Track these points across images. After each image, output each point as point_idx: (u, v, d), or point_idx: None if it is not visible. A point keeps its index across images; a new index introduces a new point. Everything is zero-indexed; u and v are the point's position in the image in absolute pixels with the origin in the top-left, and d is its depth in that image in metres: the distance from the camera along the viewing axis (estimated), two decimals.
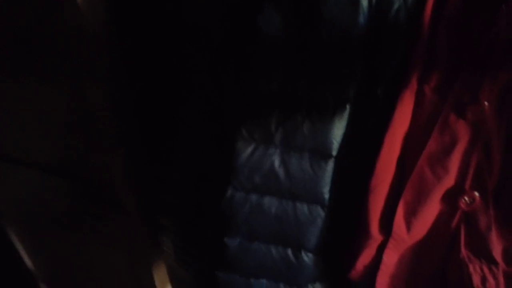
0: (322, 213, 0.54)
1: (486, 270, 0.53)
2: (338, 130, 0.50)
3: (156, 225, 0.85)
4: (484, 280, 0.52)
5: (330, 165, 0.52)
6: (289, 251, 0.56)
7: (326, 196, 0.53)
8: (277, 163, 0.52)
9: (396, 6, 0.47)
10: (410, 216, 0.52)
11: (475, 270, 0.53)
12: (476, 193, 0.51)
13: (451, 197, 0.52)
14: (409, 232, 0.52)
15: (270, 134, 0.51)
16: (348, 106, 0.50)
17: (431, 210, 0.52)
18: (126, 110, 0.70)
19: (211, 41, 0.53)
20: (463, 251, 0.53)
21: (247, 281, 0.60)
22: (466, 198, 0.51)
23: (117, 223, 0.86)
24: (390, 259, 0.54)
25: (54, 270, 1.28)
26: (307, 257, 0.57)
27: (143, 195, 0.79)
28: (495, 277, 0.52)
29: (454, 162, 0.51)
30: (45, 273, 1.33)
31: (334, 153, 0.51)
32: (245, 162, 0.52)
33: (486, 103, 0.49)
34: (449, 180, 0.51)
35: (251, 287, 0.60)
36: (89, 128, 0.71)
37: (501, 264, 0.52)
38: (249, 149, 0.52)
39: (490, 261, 0.52)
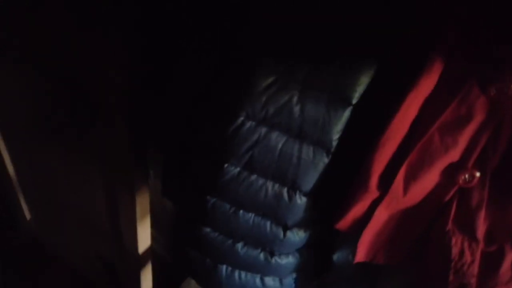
0: (325, 159, 0.54)
1: (466, 245, 0.55)
2: (364, 78, 0.50)
3: (143, 150, 0.85)
4: (462, 253, 0.55)
5: (346, 113, 0.51)
6: (284, 190, 0.57)
7: (334, 143, 0.53)
8: (295, 99, 0.51)
9: None
10: (410, 179, 0.53)
11: (456, 244, 0.55)
12: (477, 173, 0.53)
13: (452, 171, 0.53)
14: (405, 194, 0.53)
15: (293, 69, 0.50)
16: (377, 55, 0.49)
17: (431, 178, 0.53)
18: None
19: None
20: (450, 223, 0.55)
21: (236, 211, 0.61)
22: (466, 176, 0.53)
23: (101, 133, 0.84)
24: (380, 217, 0.55)
25: (34, 178, 1.28)
26: (300, 200, 0.57)
27: (134, 109, 0.77)
28: (472, 253, 0.54)
29: (465, 136, 0.52)
30: (25, 179, 1.32)
31: (354, 101, 0.51)
32: (263, 92, 0.51)
33: (511, 84, 0.49)
34: (455, 154, 0.52)
35: (238, 218, 0.61)
36: (92, 31, 0.68)
37: (481, 243, 0.55)
38: (270, 79, 0.51)
39: (472, 238, 0.54)
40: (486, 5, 0.48)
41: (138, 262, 1.12)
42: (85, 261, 1.41)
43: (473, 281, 0.55)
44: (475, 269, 0.54)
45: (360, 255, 0.58)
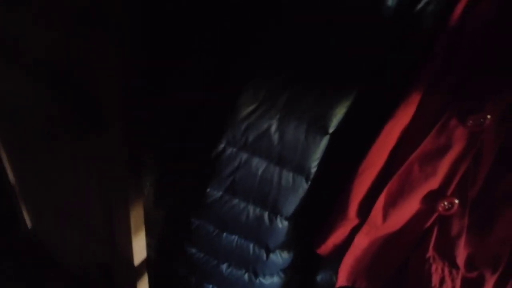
0: (305, 185, 0.54)
1: (446, 272, 0.55)
2: (340, 109, 0.50)
3: (138, 160, 0.86)
4: (442, 281, 0.55)
5: (324, 141, 0.52)
6: (266, 214, 0.57)
7: (313, 170, 0.53)
8: (274, 127, 0.52)
9: None
10: (389, 207, 0.53)
11: (436, 270, 0.55)
12: (456, 200, 0.53)
13: (431, 199, 0.53)
14: (384, 222, 0.54)
15: (275, 95, 0.51)
16: (357, 89, 0.50)
17: (411, 206, 0.53)
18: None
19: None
20: (430, 250, 0.55)
21: (220, 233, 0.62)
22: (446, 203, 0.53)
23: (97, 144, 0.85)
24: (360, 243, 0.56)
25: (35, 185, 1.29)
26: (281, 224, 0.58)
27: (130, 118, 0.77)
28: (453, 280, 0.54)
29: (444, 165, 0.52)
30: (26, 187, 1.34)
31: (331, 130, 0.51)
32: (244, 119, 0.52)
33: (488, 115, 0.50)
34: (435, 182, 0.52)
35: (222, 240, 0.62)
36: (89, 37, 0.69)
37: (462, 269, 0.55)
38: (251, 107, 0.52)
39: (452, 265, 0.54)
40: (465, 37, 0.48)
41: (134, 270, 1.13)
42: (84, 267, 1.42)
43: None
44: None
45: (342, 279, 0.58)
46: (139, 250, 1.08)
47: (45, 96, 0.91)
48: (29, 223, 1.49)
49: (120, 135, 0.78)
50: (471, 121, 0.50)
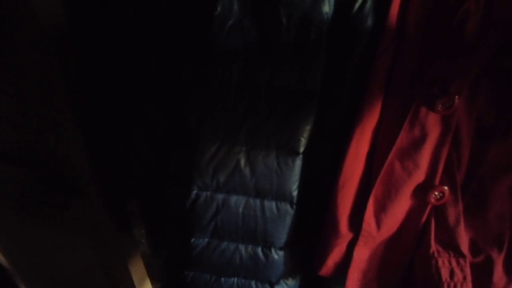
0: (290, 211, 0.52)
1: (454, 263, 0.53)
2: (304, 126, 0.48)
3: (124, 213, 0.83)
4: (452, 273, 0.52)
5: (297, 162, 0.50)
6: (259, 250, 0.55)
7: (294, 193, 0.51)
8: (242, 161, 0.49)
9: None
10: (380, 212, 0.51)
11: (444, 264, 0.53)
12: (446, 188, 0.51)
13: (421, 192, 0.51)
14: (379, 229, 0.51)
15: (234, 131, 0.49)
16: (313, 100, 0.48)
17: (401, 205, 0.51)
18: (83, 97, 0.66)
19: (169, 35, 0.49)
20: (433, 245, 0.53)
21: (218, 279, 0.59)
22: (436, 193, 0.51)
23: (81, 210, 0.83)
24: (361, 256, 0.53)
25: (27, 263, 1.25)
26: (277, 255, 0.55)
27: (106, 181, 0.76)
28: (462, 270, 0.52)
29: (425, 156, 0.50)
30: (17, 266, 1.30)
31: (301, 149, 0.49)
32: (209, 162, 0.50)
33: (456, 96, 0.48)
34: (419, 175, 0.51)
35: (221, 285, 0.59)
36: (45, 117, 0.67)
37: (468, 256, 0.53)
38: (213, 148, 0.49)
39: (458, 254, 0.52)
40: (408, 30, 0.47)
41: None
42: None
43: None
44: (468, 285, 0.52)
45: None
46: None
47: (16, 179, 0.89)
48: None
49: (100, 199, 0.77)
50: (440, 105, 0.48)
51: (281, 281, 0.60)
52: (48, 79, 0.62)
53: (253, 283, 0.59)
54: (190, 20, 0.48)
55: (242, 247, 0.55)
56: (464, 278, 0.52)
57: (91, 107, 0.67)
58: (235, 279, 0.58)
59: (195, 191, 0.51)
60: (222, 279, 0.58)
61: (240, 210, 0.52)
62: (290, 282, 0.62)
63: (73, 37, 0.60)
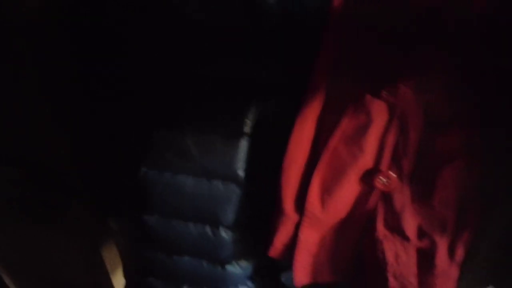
0: (237, 190, 0.53)
1: (399, 246, 0.53)
2: (250, 108, 0.49)
3: (105, 207, 0.84)
4: (397, 256, 0.53)
5: (242, 143, 0.50)
6: (207, 228, 0.56)
7: (241, 173, 0.52)
8: (190, 142, 0.50)
9: None
10: (325, 194, 0.52)
11: (389, 247, 0.54)
12: (392, 173, 0.52)
13: (367, 177, 0.52)
14: (324, 211, 0.52)
15: (183, 112, 0.50)
16: (260, 86, 0.48)
17: (347, 189, 0.52)
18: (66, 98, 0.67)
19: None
20: (379, 229, 0.54)
21: (170, 258, 0.60)
22: (382, 178, 0.52)
23: (70, 209, 0.85)
24: (308, 238, 0.54)
25: (11, 258, 1.27)
26: (226, 234, 0.56)
27: (91, 179, 0.77)
28: (407, 253, 0.53)
29: (370, 142, 0.51)
30: (10, 259, 1.31)
31: (247, 130, 0.50)
32: (159, 142, 0.50)
33: (401, 84, 0.49)
34: (366, 160, 0.51)
35: (174, 264, 0.60)
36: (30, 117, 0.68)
37: (414, 240, 0.53)
38: (162, 128, 0.50)
39: (404, 238, 0.53)
40: (365, 8, 0.47)
41: None
42: None
43: (414, 280, 0.53)
44: (412, 267, 0.53)
45: (299, 278, 0.56)
46: None
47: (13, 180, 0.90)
48: None
49: (89, 202, 0.78)
50: (385, 92, 0.49)
51: (233, 262, 0.61)
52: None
53: (204, 262, 0.60)
54: None
55: (191, 225, 0.56)
56: (408, 260, 0.53)
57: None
58: (186, 258, 0.59)
59: (144, 169, 0.52)
60: (174, 257, 0.59)
61: (188, 189, 0.53)
62: (243, 263, 0.62)
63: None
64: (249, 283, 0.67)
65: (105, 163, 0.62)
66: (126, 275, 0.69)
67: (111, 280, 0.98)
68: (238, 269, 0.62)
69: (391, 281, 0.53)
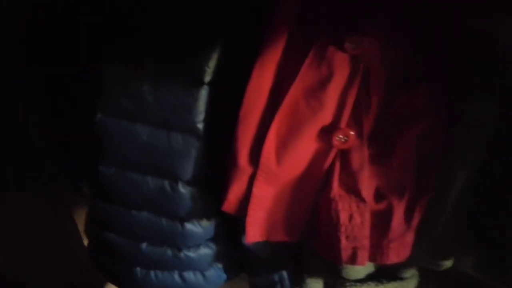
0: (196, 144, 0.52)
1: (354, 207, 0.53)
2: (210, 54, 0.48)
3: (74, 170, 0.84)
4: (351, 217, 0.53)
5: (203, 92, 0.50)
6: (166, 182, 0.55)
7: (200, 125, 0.51)
8: (147, 88, 0.49)
9: None
10: (280, 149, 0.51)
11: (344, 208, 0.53)
12: (351, 132, 0.51)
13: (325, 134, 0.51)
14: (280, 165, 0.52)
15: (139, 56, 0.49)
16: (221, 30, 0.48)
17: (305, 144, 0.52)
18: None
19: None
20: (335, 188, 0.53)
21: (128, 212, 0.59)
22: (341, 136, 0.51)
23: (42, 174, 0.85)
24: (262, 193, 0.53)
25: None
26: (185, 189, 0.56)
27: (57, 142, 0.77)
28: (361, 214, 0.53)
29: (331, 96, 0.50)
30: None
31: (207, 79, 0.49)
32: (114, 85, 0.50)
33: (365, 37, 0.48)
34: (325, 116, 0.51)
35: (132, 218, 0.59)
36: None
37: (370, 202, 0.53)
38: (117, 72, 0.49)
39: (359, 199, 0.53)
40: None
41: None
42: None
43: (366, 242, 0.53)
44: (366, 230, 0.53)
45: (252, 234, 0.55)
46: None
47: None
48: None
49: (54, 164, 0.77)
50: (348, 44, 0.48)
51: (194, 220, 0.61)
52: None
53: (163, 219, 0.59)
54: None
55: (149, 179, 0.55)
56: (362, 222, 0.53)
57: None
58: (145, 213, 0.59)
59: (99, 116, 0.51)
60: (132, 211, 0.59)
61: (145, 139, 0.52)
62: (205, 223, 0.62)
63: None
64: (212, 245, 0.67)
65: (65, 113, 0.62)
66: (88, 232, 0.69)
67: (84, 243, 0.98)
68: (199, 228, 0.62)
69: (343, 242, 0.53)
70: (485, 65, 0.48)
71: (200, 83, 0.49)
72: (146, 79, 0.49)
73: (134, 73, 0.49)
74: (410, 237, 0.55)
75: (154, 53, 0.49)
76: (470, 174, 0.51)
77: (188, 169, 0.54)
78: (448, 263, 0.65)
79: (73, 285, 1.24)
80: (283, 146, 0.51)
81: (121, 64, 0.49)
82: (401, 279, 0.62)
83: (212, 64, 0.49)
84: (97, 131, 0.52)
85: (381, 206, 0.53)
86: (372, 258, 0.54)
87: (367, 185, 0.53)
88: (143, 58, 0.49)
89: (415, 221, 0.53)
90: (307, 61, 0.48)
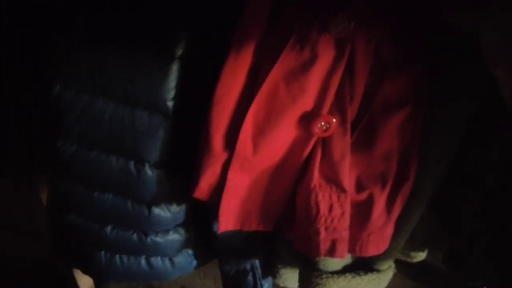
0: (164, 124, 0.48)
1: (334, 198, 0.50)
2: (181, 27, 0.43)
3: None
4: (331, 208, 0.50)
5: (173, 68, 0.45)
6: (131, 163, 0.51)
7: (169, 104, 0.47)
8: (109, 59, 0.44)
9: None
10: (258, 135, 0.47)
11: (324, 198, 0.50)
12: (334, 119, 0.47)
13: (306, 121, 0.47)
14: (256, 153, 0.48)
15: (100, 23, 0.43)
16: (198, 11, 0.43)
17: (283, 132, 0.48)
18: None
19: None
20: (316, 178, 0.50)
21: (91, 194, 0.55)
22: (322, 123, 0.47)
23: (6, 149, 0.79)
24: (237, 181, 0.50)
25: None
26: (152, 172, 0.51)
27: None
28: (341, 205, 0.50)
29: (313, 81, 0.46)
30: None
31: (178, 53, 0.44)
32: (74, 57, 0.44)
33: (352, 19, 0.44)
34: (306, 102, 0.47)
35: (95, 200, 0.55)
36: None
37: (352, 192, 0.50)
38: (76, 42, 0.44)
39: (340, 189, 0.50)
40: None
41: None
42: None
43: (345, 234, 0.50)
44: (346, 221, 0.50)
45: (225, 223, 0.52)
46: None
47: None
48: None
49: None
50: (333, 28, 0.44)
51: (162, 205, 0.57)
52: None
53: (129, 203, 0.55)
54: None
55: (112, 159, 0.50)
56: (342, 213, 0.50)
57: None
58: (110, 195, 0.55)
59: (57, 87, 0.46)
60: (95, 193, 0.54)
61: (107, 116, 0.47)
62: (174, 208, 0.58)
63: None
64: (181, 231, 0.63)
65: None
66: (49, 213, 0.64)
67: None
68: (167, 213, 0.58)
69: (322, 233, 0.50)
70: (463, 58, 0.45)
71: (171, 57, 0.44)
72: (109, 50, 0.44)
73: (97, 44, 0.44)
74: (389, 229, 0.52)
75: (119, 22, 0.43)
76: (443, 166, 0.49)
77: (155, 151, 0.50)
78: (422, 255, 0.64)
79: (38, 261, 1.20)
80: (260, 132, 0.47)
81: (83, 35, 0.44)
82: (378, 271, 0.60)
83: (184, 35, 0.44)
84: (55, 105, 0.47)
85: (362, 196, 0.50)
86: (351, 250, 0.52)
87: (348, 174, 0.50)
88: (106, 27, 0.43)
89: (396, 213, 0.51)
90: (290, 43, 0.43)
